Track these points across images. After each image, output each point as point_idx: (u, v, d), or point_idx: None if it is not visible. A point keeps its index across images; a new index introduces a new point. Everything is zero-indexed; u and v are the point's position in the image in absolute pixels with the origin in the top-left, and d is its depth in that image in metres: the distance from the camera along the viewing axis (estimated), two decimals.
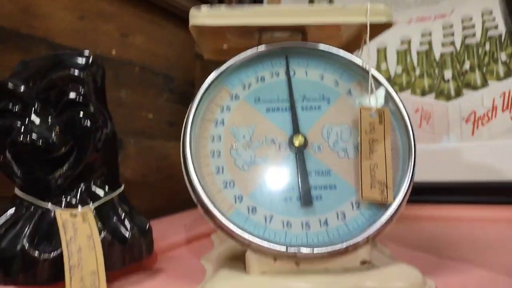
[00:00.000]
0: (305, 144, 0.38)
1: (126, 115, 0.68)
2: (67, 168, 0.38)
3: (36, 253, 0.33)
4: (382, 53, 0.81)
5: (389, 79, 0.79)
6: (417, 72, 0.78)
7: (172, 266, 0.44)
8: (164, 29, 0.77)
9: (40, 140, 0.37)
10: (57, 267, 0.33)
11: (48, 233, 0.35)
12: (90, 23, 0.61)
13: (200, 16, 0.39)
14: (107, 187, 0.40)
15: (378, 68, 0.79)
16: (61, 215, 0.36)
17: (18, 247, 0.33)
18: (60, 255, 0.33)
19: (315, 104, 0.40)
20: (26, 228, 0.35)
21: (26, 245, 0.33)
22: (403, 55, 0.80)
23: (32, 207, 0.37)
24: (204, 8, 0.39)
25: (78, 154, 0.38)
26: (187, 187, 0.36)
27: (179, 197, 0.55)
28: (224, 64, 0.40)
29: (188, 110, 0.38)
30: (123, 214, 0.39)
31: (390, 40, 0.80)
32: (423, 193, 0.63)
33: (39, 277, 0.33)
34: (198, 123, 0.38)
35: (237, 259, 0.39)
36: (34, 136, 0.37)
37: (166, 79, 0.78)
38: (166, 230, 0.56)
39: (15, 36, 0.50)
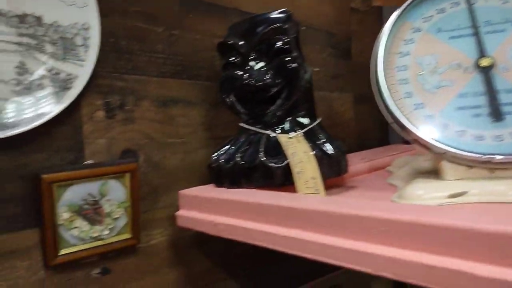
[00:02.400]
0: (492, 65, 0.41)
1: None
2: (280, 104, 0.48)
3: (272, 164, 0.45)
4: None
5: None
6: None
7: (362, 184, 0.52)
8: None
9: (259, 83, 0.48)
10: (285, 174, 0.44)
11: (274, 151, 0.46)
12: None
13: None
14: (308, 119, 0.50)
15: None
16: (281, 138, 0.46)
17: (257, 160, 0.45)
18: (287, 165, 0.44)
19: (499, 27, 0.42)
20: (259, 147, 0.47)
21: (264, 158, 0.45)
22: None
23: (257, 134, 0.49)
24: None
25: (288, 92, 0.48)
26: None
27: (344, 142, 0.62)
28: (406, 2, 0.44)
29: (376, 47, 0.44)
30: (325, 138, 0.48)
31: None
32: None
33: (275, 181, 0.45)
34: (385, 57, 0.44)
35: (424, 176, 0.44)
36: (254, 80, 0.48)
37: (327, 35, 0.86)
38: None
39: (214, 8, 0.63)
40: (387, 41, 0.44)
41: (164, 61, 0.56)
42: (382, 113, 0.43)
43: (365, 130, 0.95)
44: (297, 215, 0.37)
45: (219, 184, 0.51)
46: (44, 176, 0.42)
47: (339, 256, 0.33)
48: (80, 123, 0.49)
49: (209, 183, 0.54)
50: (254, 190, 0.46)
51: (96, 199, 0.46)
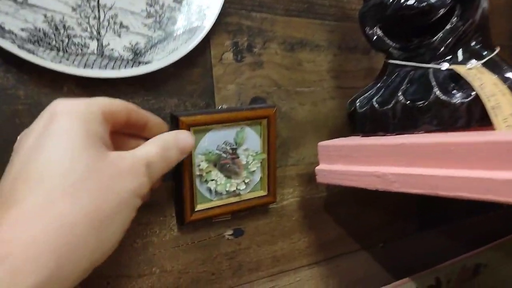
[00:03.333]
0: None
1: None
2: (450, 29, 0.39)
3: (453, 99, 0.35)
4: None
5: None
6: None
7: None
8: None
9: (422, 3, 0.39)
10: (470, 112, 0.35)
11: (447, 86, 0.37)
12: None
13: None
14: (484, 49, 0.40)
15: None
16: (460, 68, 0.37)
17: (431, 97, 0.36)
18: (474, 100, 0.35)
19: None
20: (426, 84, 0.38)
21: (440, 94, 0.36)
22: None
23: (416, 70, 0.40)
24: None
25: (462, 13, 0.38)
26: None
27: None
28: None
29: None
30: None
31: None
32: None
33: (456, 121, 0.36)
34: None
35: None
36: (416, 0, 0.39)
37: None
38: None
39: None
40: None
41: None
42: None
43: None
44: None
45: (369, 132, 0.43)
46: (183, 118, 0.37)
47: None
48: (210, 65, 0.43)
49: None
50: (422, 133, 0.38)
51: (234, 147, 0.41)
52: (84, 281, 0.36)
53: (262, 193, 0.44)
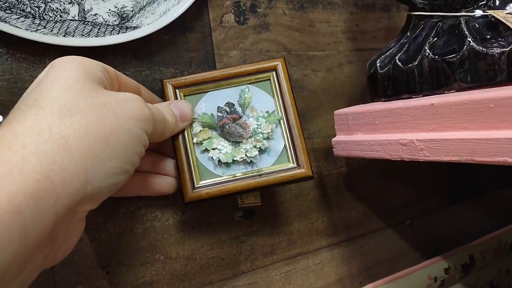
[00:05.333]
0: None
1: None
2: None
3: (490, 50, 0.30)
4: None
5: None
6: None
7: None
8: None
9: None
10: (511, 64, 0.29)
11: (481, 36, 0.31)
12: None
13: None
14: None
15: None
16: (498, 13, 0.31)
17: (465, 48, 0.31)
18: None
19: None
20: (457, 34, 0.32)
21: (475, 44, 0.31)
22: None
23: (443, 21, 0.35)
24: None
25: None
26: None
27: None
28: None
29: None
30: None
31: None
32: None
33: (495, 74, 0.30)
34: None
35: None
36: None
37: None
38: None
39: None
40: None
41: None
42: None
43: None
44: None
45: (392, 95, 0.37)
46: (166, 81, 0.33)
47: None
48: (208, 30, 0.39)
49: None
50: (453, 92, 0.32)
51: (232, 103, 0.35)
52: (81, 270, 0.34)
53: (290, 165, 0.35)
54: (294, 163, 0.35)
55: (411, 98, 0.36)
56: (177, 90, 0.33)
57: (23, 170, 0.19)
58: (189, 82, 0.34)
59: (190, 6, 0.35)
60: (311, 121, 0.45)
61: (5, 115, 0.30)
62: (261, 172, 0.35)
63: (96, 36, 0.32)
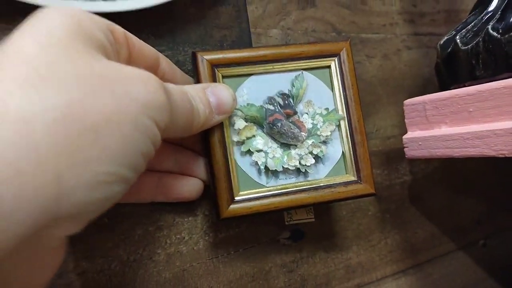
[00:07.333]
0: None
1: None
2: None
3: None
4: None
5: None
6: None
7: None
8: None
9: None
10: None
11: None
12: None
13: None
14: None
15: None
16: None
17: None
18: None
19: None
20: None
21: None
22: None
23: None
24: None
25: None
26: None
27: None
28: None
29: None
30: None
31: None
32: None
33: None
34: None
35: None
36: None
37: None
38: None
39: None
40: None
41: None
42: None
43: None
44: None
45: (483, 76, 0.29)
46: (202, 54, 0.25)
47: None
48: (243, 3, 0.31)
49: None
50: None
51: (288, 94, 0.27)
52: None
53: (349, 177, 0.28)
54: (354, 176, 0.28)
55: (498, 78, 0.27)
56: (215, 69, 0.25)
57: None
58: (231, 60, 0.25)
59: None
60: (366, 119, 0.36)
61: None
62: (315, 185, 0.27)
63: (104, 0, 0.24)
